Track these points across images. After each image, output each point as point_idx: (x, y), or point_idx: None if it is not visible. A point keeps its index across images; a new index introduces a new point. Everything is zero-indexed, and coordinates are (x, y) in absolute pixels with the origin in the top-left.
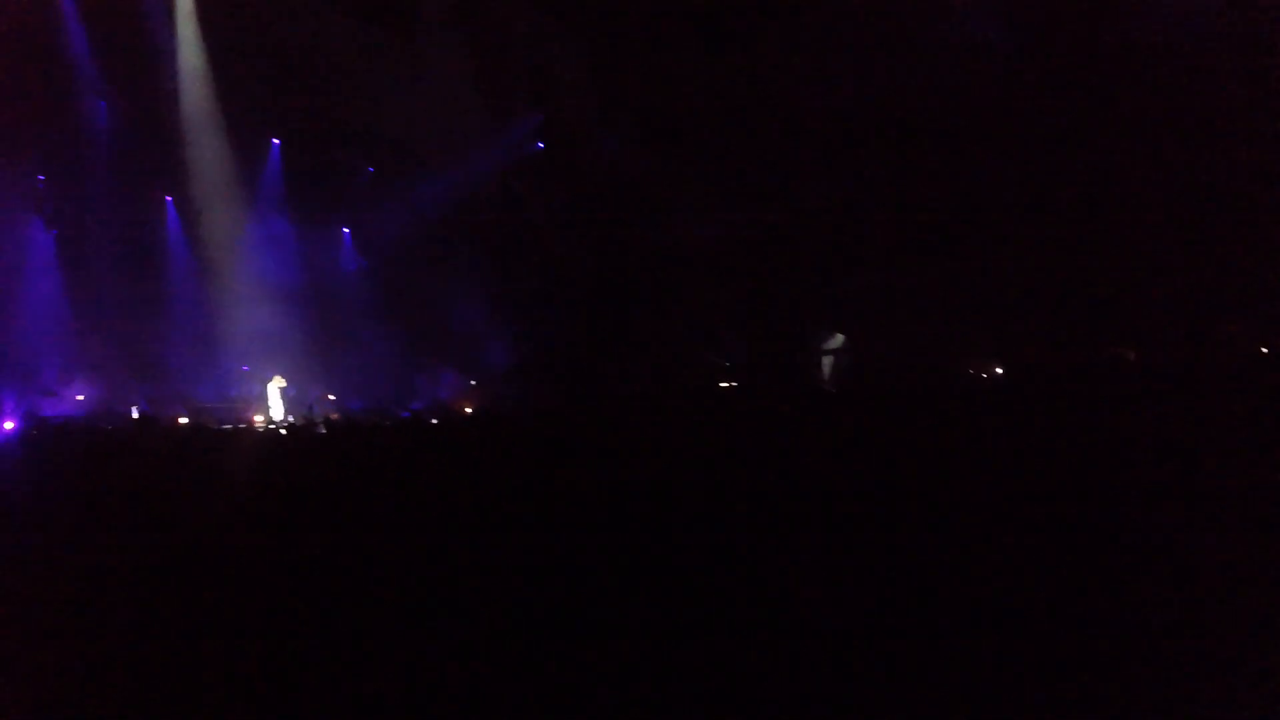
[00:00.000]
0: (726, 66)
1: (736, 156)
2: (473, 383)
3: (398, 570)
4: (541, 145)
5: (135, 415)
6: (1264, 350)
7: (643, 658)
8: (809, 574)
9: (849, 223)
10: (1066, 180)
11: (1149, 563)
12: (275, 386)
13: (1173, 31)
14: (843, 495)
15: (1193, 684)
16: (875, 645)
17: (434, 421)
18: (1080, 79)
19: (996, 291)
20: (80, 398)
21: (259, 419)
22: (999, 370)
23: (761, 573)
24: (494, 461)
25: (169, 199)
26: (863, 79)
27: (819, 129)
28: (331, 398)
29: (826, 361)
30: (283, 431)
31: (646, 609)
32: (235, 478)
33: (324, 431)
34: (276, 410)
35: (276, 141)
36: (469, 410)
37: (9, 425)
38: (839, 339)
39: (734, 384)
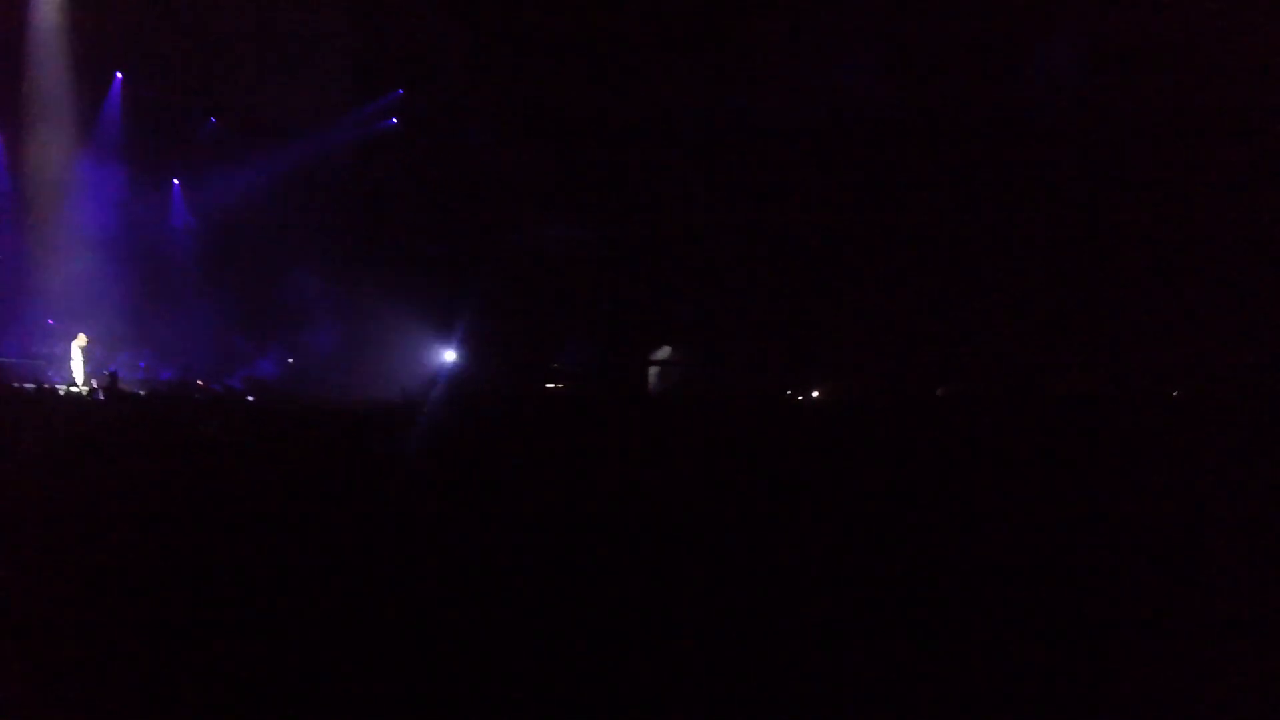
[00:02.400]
0: (596, 72)
1: (595, 165)
2: (290, 361)
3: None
4: (395, 121)
5: None
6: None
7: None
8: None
9: (696, 239)
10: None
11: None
12: (78, 345)
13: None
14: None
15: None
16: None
17: (249, 399)
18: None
19: (830, 318)
20: None
21: (74, 380)
22: (815, 395)
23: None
24: (307, 451)
25: None
26: (723, 97)
27: (677, 145)
28: (142, 365)
29: (653, 371)
30: (62, 394)
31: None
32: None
33: (101, 399)
34: (76, 372)
35: (119, 76)
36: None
37: None
38: (666, 351)
39: (560, 385)
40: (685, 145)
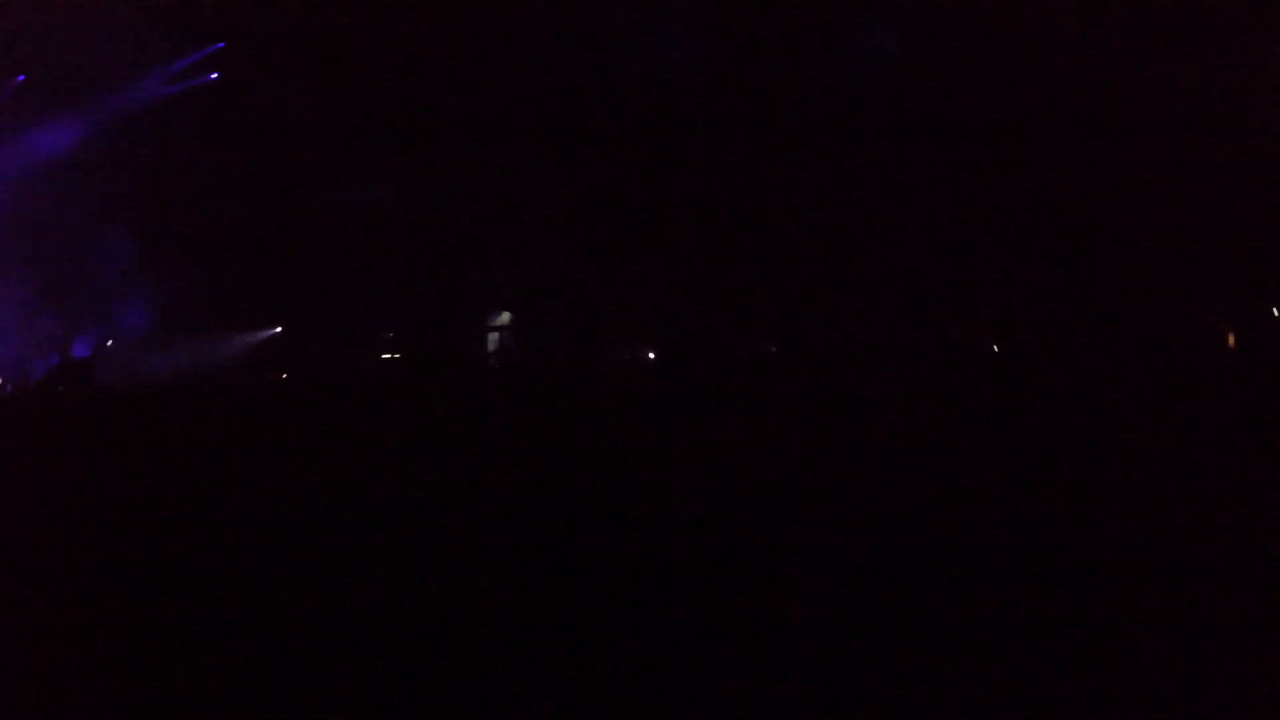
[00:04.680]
0: (425, 30)
1: (421, 123)
2: (109, 343)
3: None
4: (215, 76)
5: None
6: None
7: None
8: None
9: (522, 200)
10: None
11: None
12: None
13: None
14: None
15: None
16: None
17: (60, 389)
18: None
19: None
20: None
21: None
22: (650, 355)
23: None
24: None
25: None
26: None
27: (508, 102)
28: None
29: (492, 338)
30: None
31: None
32: None
33: None
34: None
35: None
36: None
37: None
38: (505, 316)
39: (394, 355)
40: (501, 101)
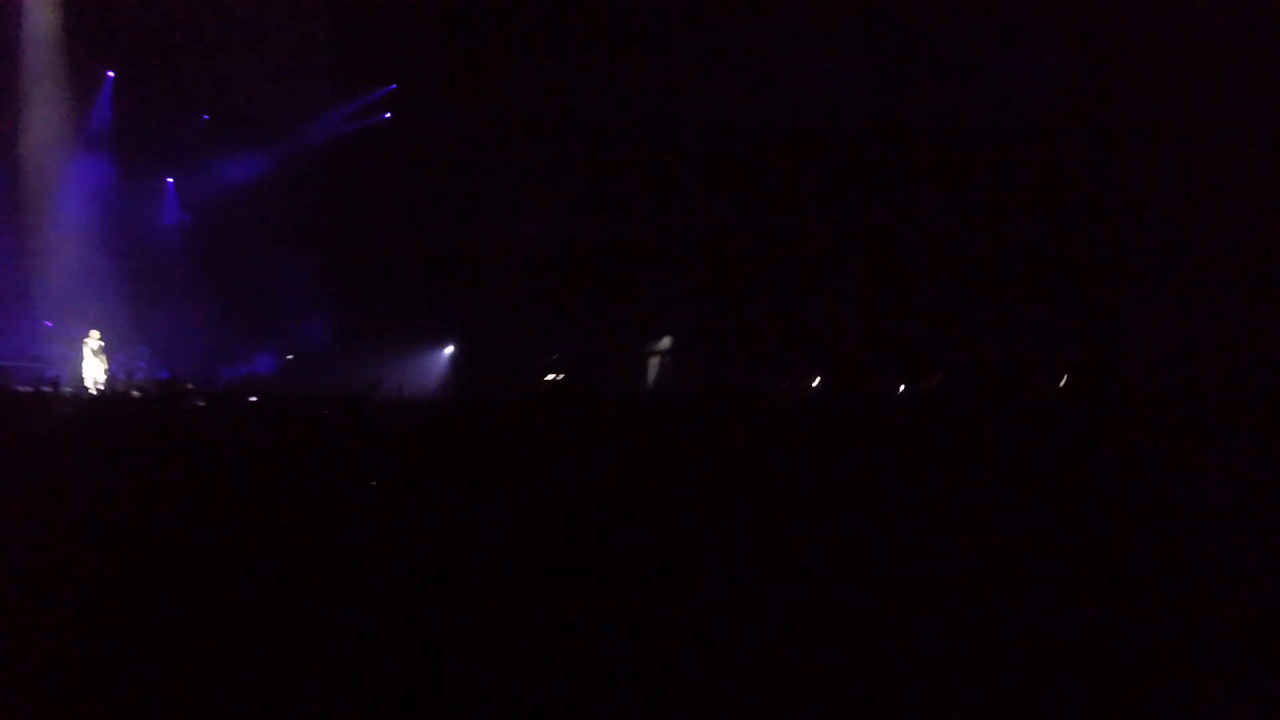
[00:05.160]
0: (588, 64)
1: (583, 154)
2: (290, 357)
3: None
4: (389, 116)
5: None
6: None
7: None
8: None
9: (684, 229)
10: (897, 199)
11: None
12: (93, 345)
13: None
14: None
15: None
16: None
17: (252, 399)
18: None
19: (820, 306)
20: None
21: (85, 381)
22: (815, 384)
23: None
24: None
25: None
26: (712, 86)
27: (665, 135)
28: (141, 364)
29: (652, 363)
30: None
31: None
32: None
33: (137, 395)
34: (89, 371)
35: (111, 74)
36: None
37: None
38: (666, 341)
39: (559, 377)
40: (670, 137)
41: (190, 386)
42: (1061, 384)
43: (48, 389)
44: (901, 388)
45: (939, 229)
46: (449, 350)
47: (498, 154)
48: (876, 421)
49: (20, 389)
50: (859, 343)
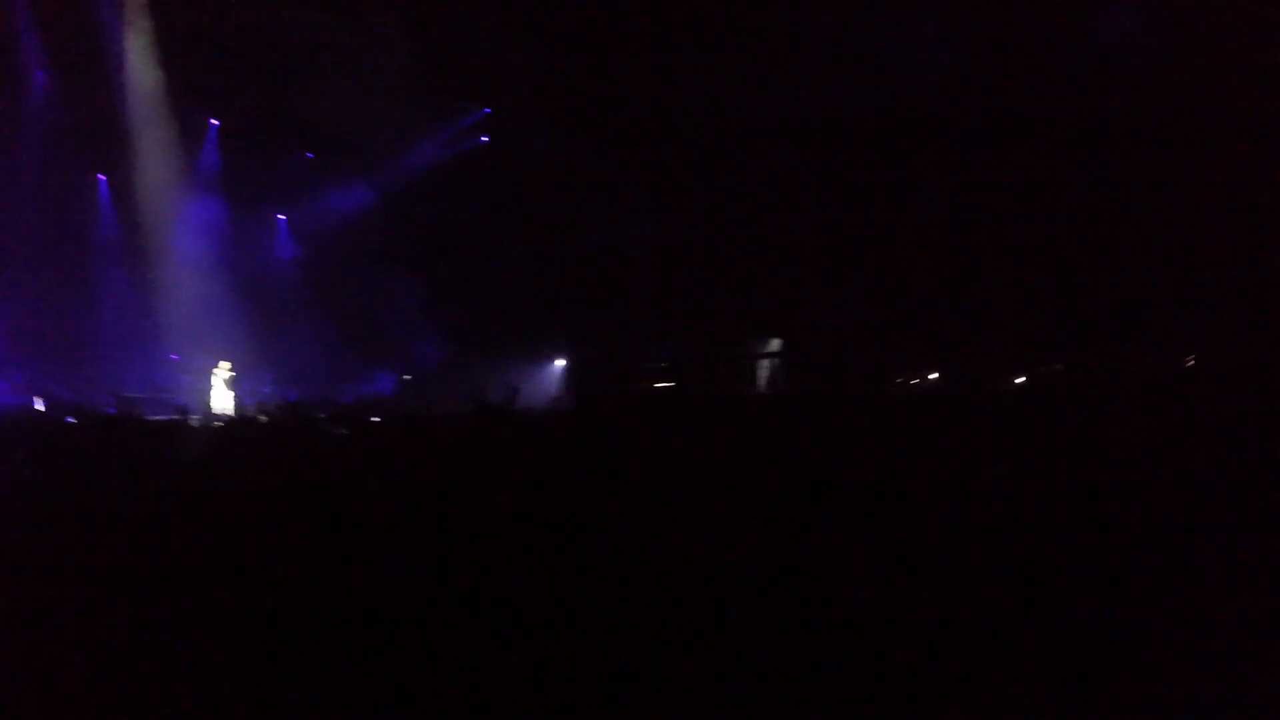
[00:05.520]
0: (673, 67)
1: (679, 159)
2: (406, 377)
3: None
4: (485, 139)
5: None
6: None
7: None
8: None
9: (789, 229)
10: (1003, 185)
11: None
12: (219, 375)
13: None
14: (770, 497)
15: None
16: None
17: (374, 419)
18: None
19: (935, 300)
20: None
21: (214, 409)
22: (932, 376)
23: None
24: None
25: (102, 178)
26: (805, 84)
27: (760, 134)
28: (265, 390)
29: (763, 365)
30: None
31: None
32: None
33: (265, 420)
34: (218, 400)
35: (215, 123)
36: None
37: None
38: (775, 343)
39: (669, 385)
40: (769, 132)
41: (322, 415)
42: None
43: (178, 417)
44: (1022, 379)
45: (1051, 215)
46: (560, 363)
47: (594, 166)
48: (1000, 415)
49: (153, 419)
50: (975, 334)
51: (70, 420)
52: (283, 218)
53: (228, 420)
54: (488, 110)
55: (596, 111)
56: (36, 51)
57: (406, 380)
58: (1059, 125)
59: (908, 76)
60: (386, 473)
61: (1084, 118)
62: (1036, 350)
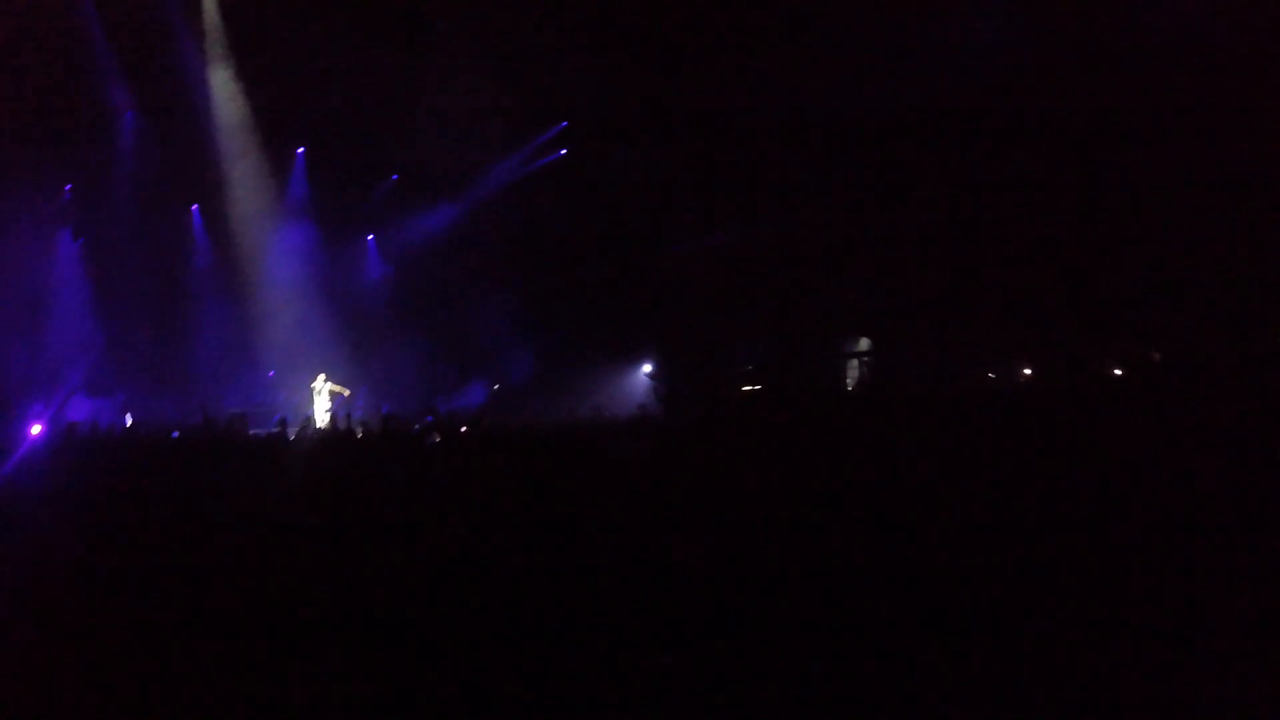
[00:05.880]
0: (746, 72)
1: (759, 162)
2: (495, 387)
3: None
4: (564, 152)
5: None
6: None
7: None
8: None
9: (873, 228)
10: (1090, 181)
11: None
12: (319, 388)
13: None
14: (862, 498)
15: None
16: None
17: (463, 429)
18: (1095, 75)
19: (1023, 295)
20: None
21: (313, 422)
22: (1026, 372)
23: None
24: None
25: (195, 207)
26: (887, 85)
27: (841, 134)
28: (360, 402)
29: (851, 365)
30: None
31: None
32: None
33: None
34: (318, 411)
35: (301, 150)
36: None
37: (36, 430)
38: (864, 343)
39: (757, 387)
40: (857, 133)
41: (415, 426)
42: None
43: (276, 430)
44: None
45: (1138, 207)
46: (646, 368)
47: (674, 172)
48: (1100, 409)
49: (254, 433)
50: (1065, 328)
51: (174, 435)
52: (371, 238)
53: (324, 432)
54: (565, 124)
55: (676, 119)
56: (125, 94)
57: (496, 390)
58: (1154, 119)
59: (995, 72)
60: (475, 481)
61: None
62: (1131, 341)
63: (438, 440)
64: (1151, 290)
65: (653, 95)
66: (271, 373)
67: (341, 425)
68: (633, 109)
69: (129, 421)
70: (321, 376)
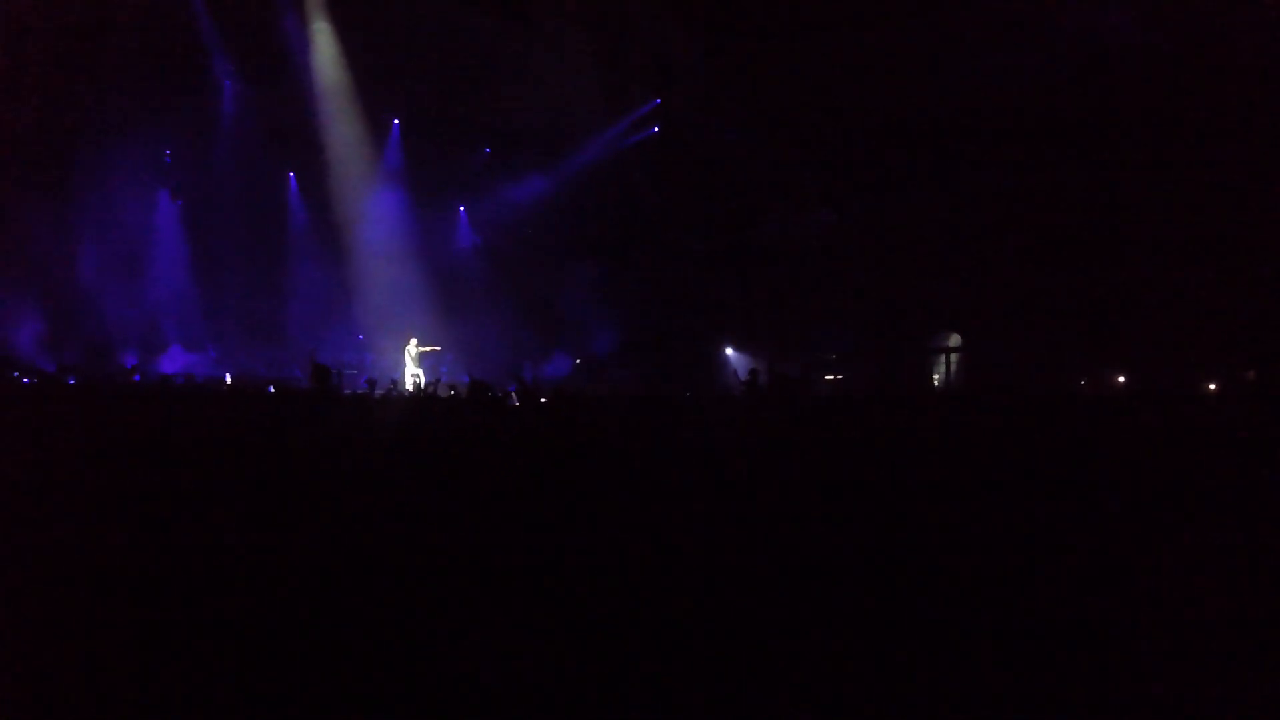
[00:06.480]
0: (848, 59)
1: (851, 150)
2: (577, 361)
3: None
4: (656, 130)
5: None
6: None
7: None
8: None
9: (969, 222)
10: (1194, 190)
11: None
12: (412, 351)
13: None
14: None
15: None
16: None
17: (542, 400)
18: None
19: (1120, 301)
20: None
21: (406, 383)
22: (1120, 379)
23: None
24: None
25: (291, 174)
26: (980, 78)
27: (937, 126)
28: (444, 369)
29: (939, 360)
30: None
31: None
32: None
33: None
34: (409, 373)
35: (396, 122)
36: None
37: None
38: (955, 339)
39: (839, 377)
40: (951, 122)
41: (498, 393)
42: None
43: (365, 390)
44: (1212, 386)
45: (1247, 219)
46: (729, 350)
47: (771, 154)
48: (1191, 422)
49: (345, 391)
50: (1162, 337)
51: (270, 390)
52: (463, 209)
53: (412, 393)
54: (658, 100)
55: (773, 100)
56: (225, 63)
57: (579, 364)
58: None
59: (1096, 68)
60: (549, 448)
61: None
62: (1228, 356)
63: (517, 405)
64: (1257, 309)
65: (753, 75)
66: (360, 335)
67: (429, 389)
68: (731, 88)
69: (228, 378)
70: (414, 341)
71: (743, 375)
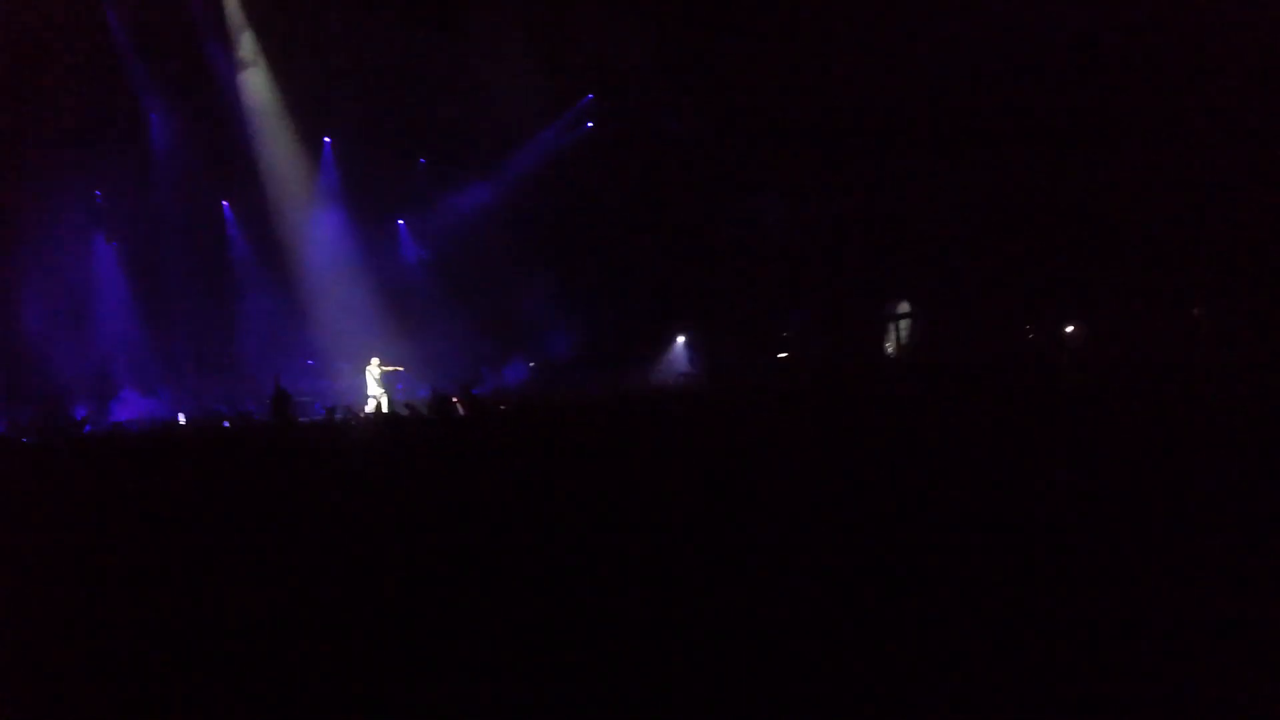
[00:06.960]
0: (787, 49)
1: (796, 140)
2: (531, 365)
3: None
4: (590, 125)
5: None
6: None
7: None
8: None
9: (914, 190)
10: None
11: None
12: (374, 372)
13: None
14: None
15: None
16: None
17: (501, 407)
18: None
19: (1063, 255)
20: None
21: (367, 406)
22: (1069, 329)
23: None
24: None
25: (225, 204)
26: (926, 65)
27: (876, 114)
28: (400, 386)
29: (891, 328)
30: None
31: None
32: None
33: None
34: (372, 394)
35: (328, 140)
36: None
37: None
38: (904, 306)
39: (789, 355)
40: (890, 105)
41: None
42: None
43: (323, 418)
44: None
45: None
46: (681, 340)
47: (706, 146)
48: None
49: (303, 420)
50: (1107, 288)
51: (225, 425)
52: (401, 222)
53: (377, 415)
54: (590, 96)
55: (715, 97)
56: (150, 96)
57: (534, 367)
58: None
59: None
60: (511, 458)
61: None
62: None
63: (461, 414)
64: (1194, 249)
65: (685, 64)
66: (310, 361)
67: (389, 408)
68: (664, 79)
69: (182, 419)
70: (375, 361)
71: (685, 367)
